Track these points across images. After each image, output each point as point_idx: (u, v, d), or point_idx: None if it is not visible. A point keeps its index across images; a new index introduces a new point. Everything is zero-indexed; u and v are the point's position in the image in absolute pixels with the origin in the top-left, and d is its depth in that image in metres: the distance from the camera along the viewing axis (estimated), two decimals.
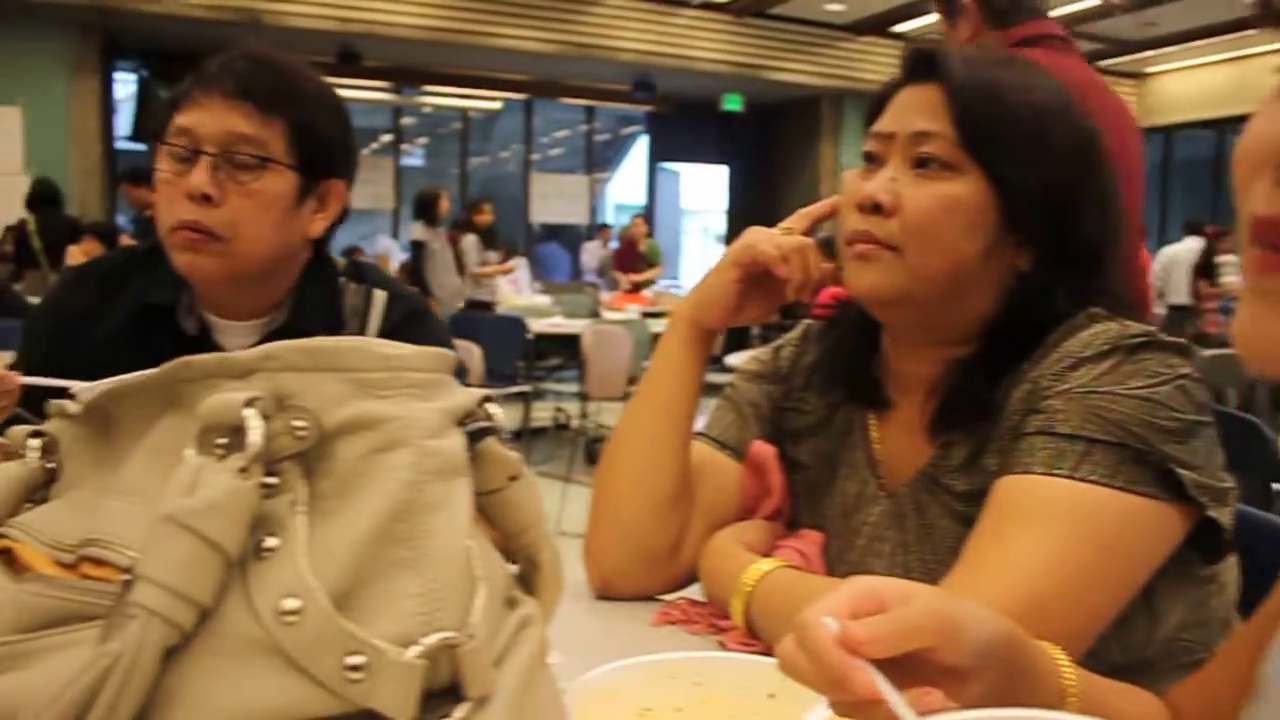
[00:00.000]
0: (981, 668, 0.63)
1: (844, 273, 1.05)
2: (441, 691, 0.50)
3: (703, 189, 15.68)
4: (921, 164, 1.02)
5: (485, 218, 8.58)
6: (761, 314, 1.17)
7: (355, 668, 0.47)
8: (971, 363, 1.03)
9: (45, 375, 1.24)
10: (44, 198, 7.45)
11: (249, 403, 0.49)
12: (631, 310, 7.38)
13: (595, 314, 7.46)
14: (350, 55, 10.50)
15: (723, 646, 1.03)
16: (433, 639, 0.49)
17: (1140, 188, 2.28)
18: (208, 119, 1.28)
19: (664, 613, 1.10)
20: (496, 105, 13.49)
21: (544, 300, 8.16)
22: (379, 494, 0.50)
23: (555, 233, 13.44)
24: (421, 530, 0.50)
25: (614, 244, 11.06)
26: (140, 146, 10.89)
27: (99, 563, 0.53)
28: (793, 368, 1.23)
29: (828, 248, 1.15)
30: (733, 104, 12.61)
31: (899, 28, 11.36)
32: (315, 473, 0.51)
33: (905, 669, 0.60)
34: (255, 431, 0.48)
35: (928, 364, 1.07)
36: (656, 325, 6.84)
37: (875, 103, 1.09)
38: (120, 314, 1.36)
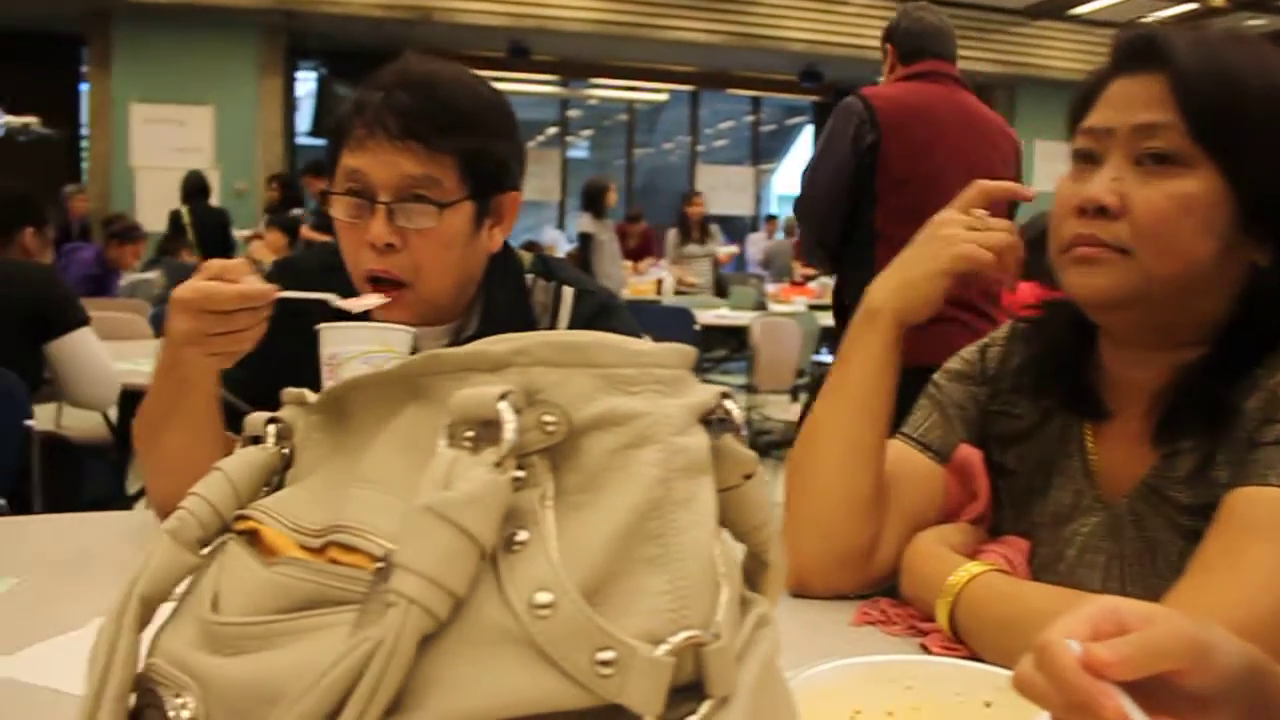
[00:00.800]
0: (1229, 696, 0.60)
1: (1060, 276, 1.01)
2: (683, 689, 0.50)
3: None
4: (1149, 160, 0.96)
5: (698, 209, 8.70)
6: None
7: (606, 663, 0.47)
8: (1203, 367, 0.98)
9: (249, 366, 1.28)
10: (196, 189, 7.84)
11: (503, 397, 0.50)
12: (798, 303, 7.31)
13: (761, 306, 7.42)
14: (520, 50, 10.69)
15: (925, 649, 1.00)
16: (680, 637, 0.48)
17: None
18: (377, 165, 1.26)
19: (863, 612, 1.09)
20: (662, 97, 13.54)
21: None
22: (630, 490, 0.50)
23: (719, 224, 13.41)
24: (670, 527, 0.50)
25: (779, 235, 10.97)
26: (319, 141, 11.31)
27: (348, 549, 0.54)
28: (1000, 369, 1.18)
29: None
30: None
31: (1078, 10, 10.93)
32: (562, 467, 0.51)
33: (1146, 695, 0.57)
34: (510, 426, 0.49)
35: (1153, 369, 1.01)
36: (824, 319, 6.77)
37: (1082, 96, 1.03)
38: (316, 316, 1.38)
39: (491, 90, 1.35)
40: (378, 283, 1.28)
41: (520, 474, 0.50)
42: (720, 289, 8.77)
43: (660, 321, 5.92)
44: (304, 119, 11.28)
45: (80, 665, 0.89)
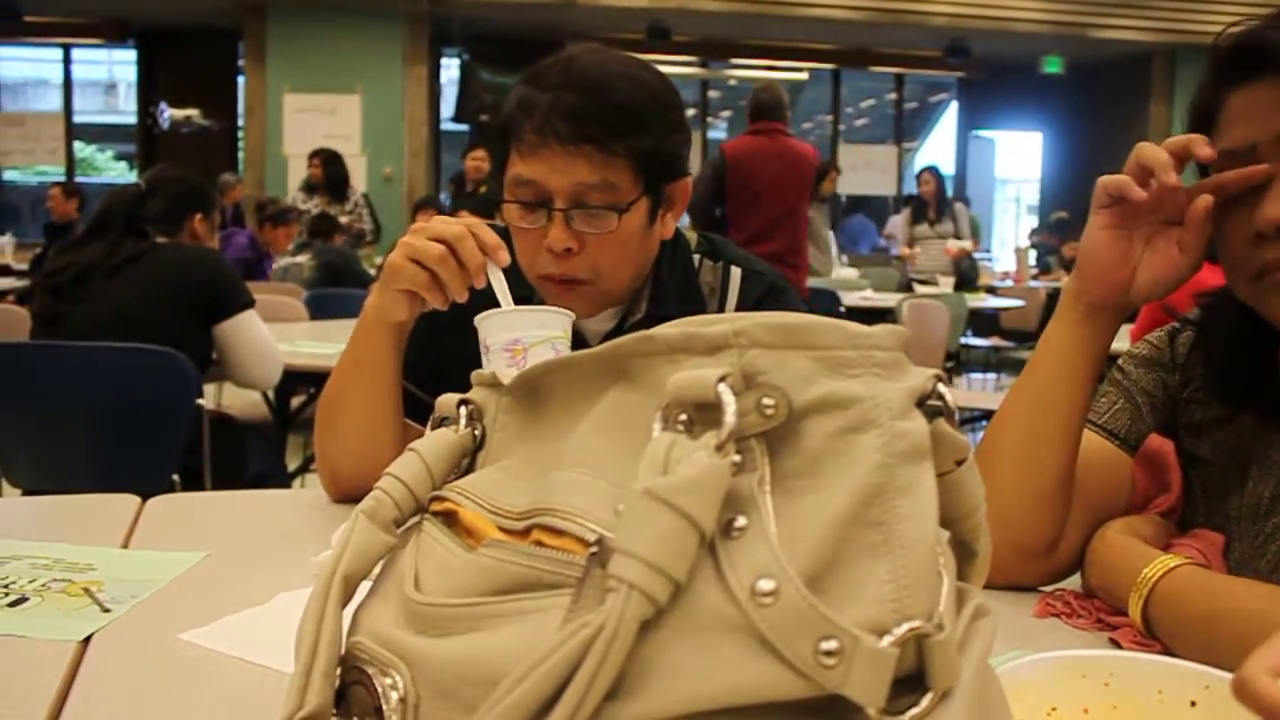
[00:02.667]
0: None
1: (1260, 304, 0.95)
2: (904, 680, 0.48)
3: (1017, 157, 15.00)
4: None
5: (928, 186, 8.45)
6: (1170, 273, 1.01)
7: (830, 653, 0.45)
8: None
9: (421, 355, 1.29)
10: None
11: (722, 379, 0.48)
12: (945, 284, 7.14)
13: (906, 287, 7.29)
14: (660, 31, 10.68)
15: (1114, 644, 0.96)
16: (904, 628, 0.47)
17: None
18: (551, 172, 1.24)
19: (1047, 604, 1.04)
20: (803, 76, 13.38)
21: (851, 273, 8.03)
22: (851, 476, 0.48)
23: (859, 204, 13.22)
24: (892, 515, 0.48)
25: None
26: (462, 126, 11.50)
27: (555, 532, 0.54)
28: (1191, 355, 1.11)
29: None
30: (1052, 66, 11.97)
31: None
32: (780, 451, 0.49)
33: None
34: (730, 409, 0.48)
35: None
36: (973, 300, 6.62)
37: (1197, 119, 0.97)
38: (474, 303, 1.39)
39: (657, 77, 1.32)
40: (556, 281, 1.28)
41: (738, 458, 0.48)
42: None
43: (805, 303, 5.84)
44: (448, 105, 11.47)
45: (266, 638, 0.91)
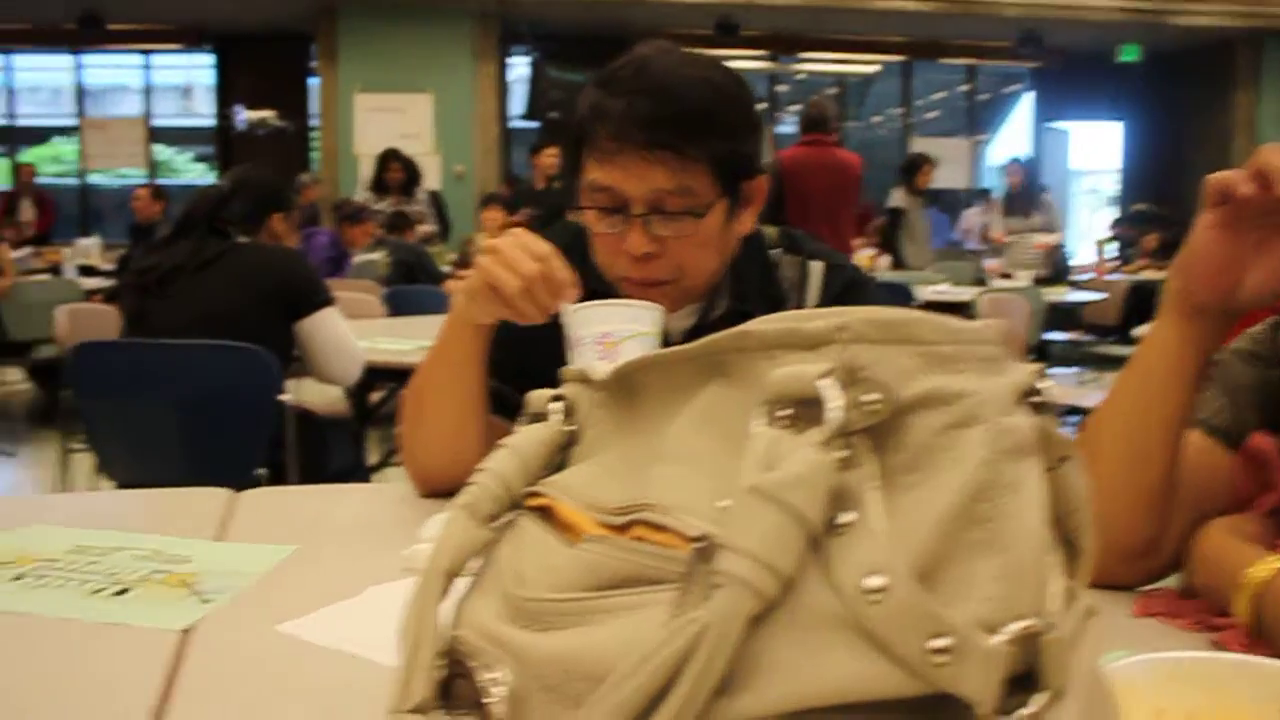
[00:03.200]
0: None
1: None
2: (1013, 679, 0.48)
3: (1093, 148, 14.72)
4: None
5: (1015, 178, 8.27)
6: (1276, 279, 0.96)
7: (941, 650, 0.45)
8: None
9: (505, 351, 1.30)
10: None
11: (825, 375, 0.48)
12: (1022, 277, 7.03)
13: (980, 281, 7.19)
14: (728, 26, 10.65)
15: (1219, 646, 0.94)
16: (1016, 626, 0.46)
17: None
18: (628, 179, 1.24)
19: (1145, 603, 1.03)
20: (873, 69, 13.26)
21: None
22: (958, 472, 0.48)
23: (932, 198, 13.05)
24: (1000, 511, 0.48)
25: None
26: (532, 124, 11.56)
27: (656, 528, 0.54)
28: None
29: None
30: (1129, 55, 11.73)
31: None
32: (885, 447, 0.49)
33: None
34: (835, 404, 0.48)
35: None
36: (1052, 294, 6.51)
37: None
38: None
39: (730, 78, 1.32)
40: (636, 284, 1.28)
41: (842, 454, 0.48)
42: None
43: (878, 297, 5.78)
44: (516, 102, 11.54)
45: (361, 630, 0.93)
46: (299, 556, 1.14)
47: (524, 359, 1.34)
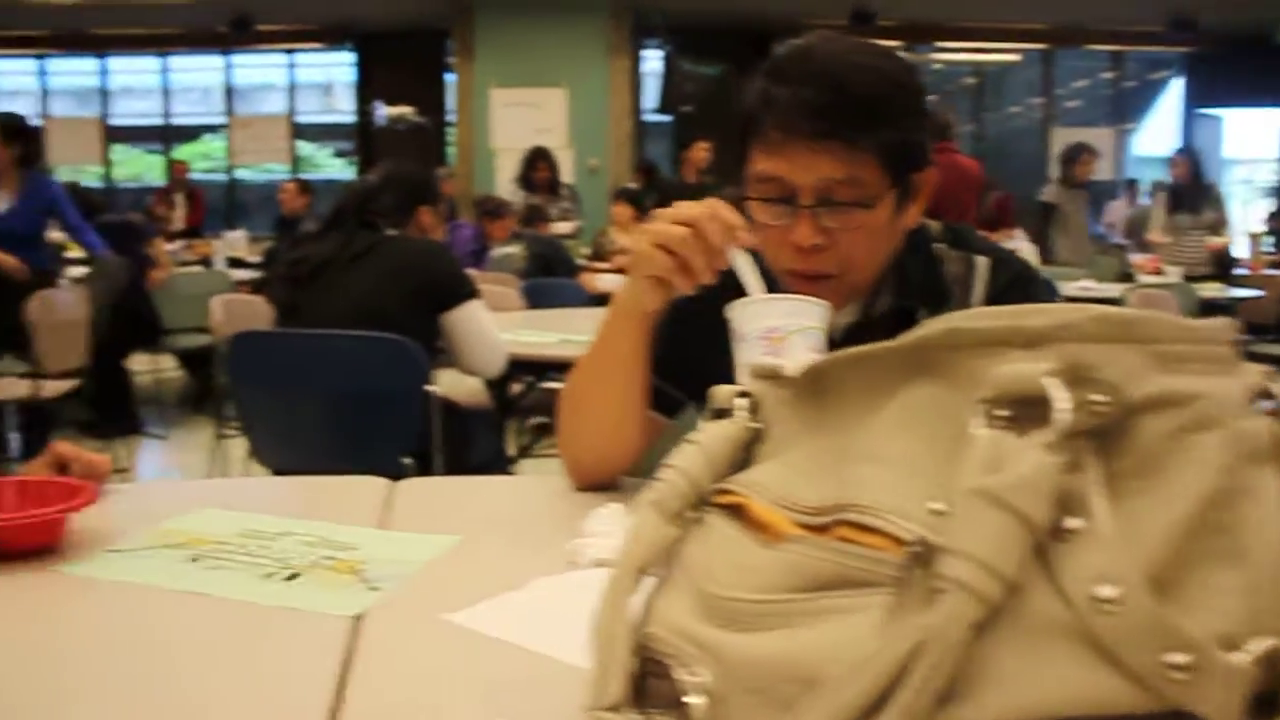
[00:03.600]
0: None
1: None
2: (1255, 700, 0.45)
3: (1248, 136, 14.09)
4: None
5: (1180, 169, 7.76)
6: None
7: (1178, 666, 0.43)
8: None
9: (665, 346, 1.30)
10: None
11: (1051, 373, 0.46)
12: (1172, 274, 6.75)
13: (1127, 277, 6.94)
14: (864, 15, 10.49)
15: None
16: (1262, 643, 0.44)
17: None
18: (795, 169, 1.22)
19: None
20: (1013, 57, 12.93)
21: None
22: (1193, 477, 0.45)
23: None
24: (1240, 520, 0.45)
25: (1145, 200, 10.20)
26: (665, 118, 11.57)
27: (862, 529, 0.53)
28: None
29: None
30: None
31: None
32: (1110, 450, 0.47)
33: None
34: (1062, 405, 0.46)
35: None
36: (1205, 290, 6.26)
37: None
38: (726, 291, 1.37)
39: (900, 65, 1.29)
40: (802, 276, 1.26)
41: (1068, 457, 0.46)
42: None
43: None
44: (650, 96, 11.57)
45: (529, 622, 0.93)
46: (461, 547, 1.15)
47: (685, 355, 1.34)
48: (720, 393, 0.71)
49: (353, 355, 2.52)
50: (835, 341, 1.15)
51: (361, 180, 2.83)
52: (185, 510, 1.27)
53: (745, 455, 0.68)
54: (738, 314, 1.14)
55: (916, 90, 1.29)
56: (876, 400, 0.58)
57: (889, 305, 1.32)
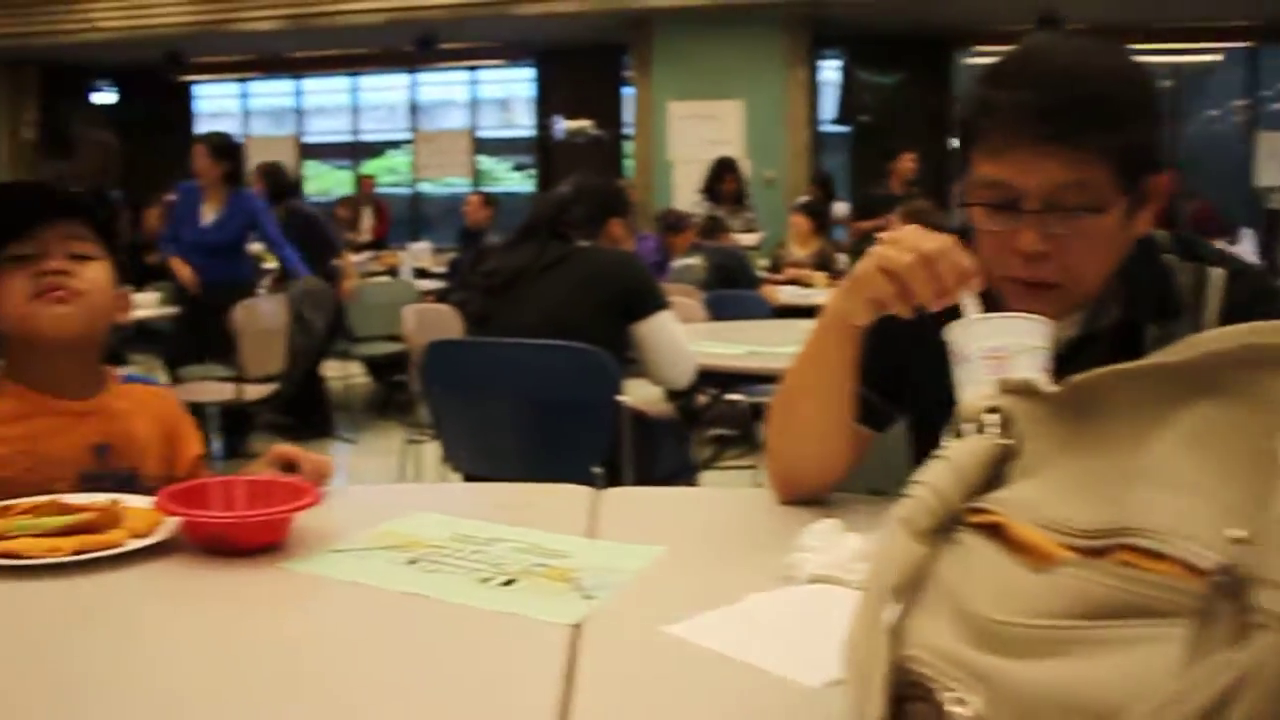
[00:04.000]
0: None
1: None
2: None
3: None
4: None
5: None
6: None
7: None
8: None
9: (874, 358, 1.26)
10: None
11: None
12: None
13: None
14: (1051, 20, 10.16)
15: None
16: None
17: None
18: (1021, 173, 1.17)
19: None
20: (1213, 57, 12.31)
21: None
22: None
23: None
24: None
25: None
26: (843, 129, 11.45)
27: (1149, 554, 0.50)
28: None
29: None
30: None
31: None
32: None
33: None
34: None
35: None
36: None
37: None
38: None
39: (1129, 63, 1.22)
40: (1025, 285, 1.21)
41: None
42: None
43: None
44: (827, 107, 11.46)
45: (749, 637, 0.92)
46: (670, 557, 1.15)
47: (893, 366, 1.30)
48: (967, 406, 0.69)
49: (546, 364, 2.55)
50: (1058, 356, 1.10)
51: (554, 192, 2.88)
52: (398, 513, 1.30)
53: (995, 473, 0.65)
54: (960, 333, 1.09)
55: (1148, 88, 1.22)
56: (1149, 419, 0.55)
57: (1115, 318, 1.25)
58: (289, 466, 1.35)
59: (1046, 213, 1.17)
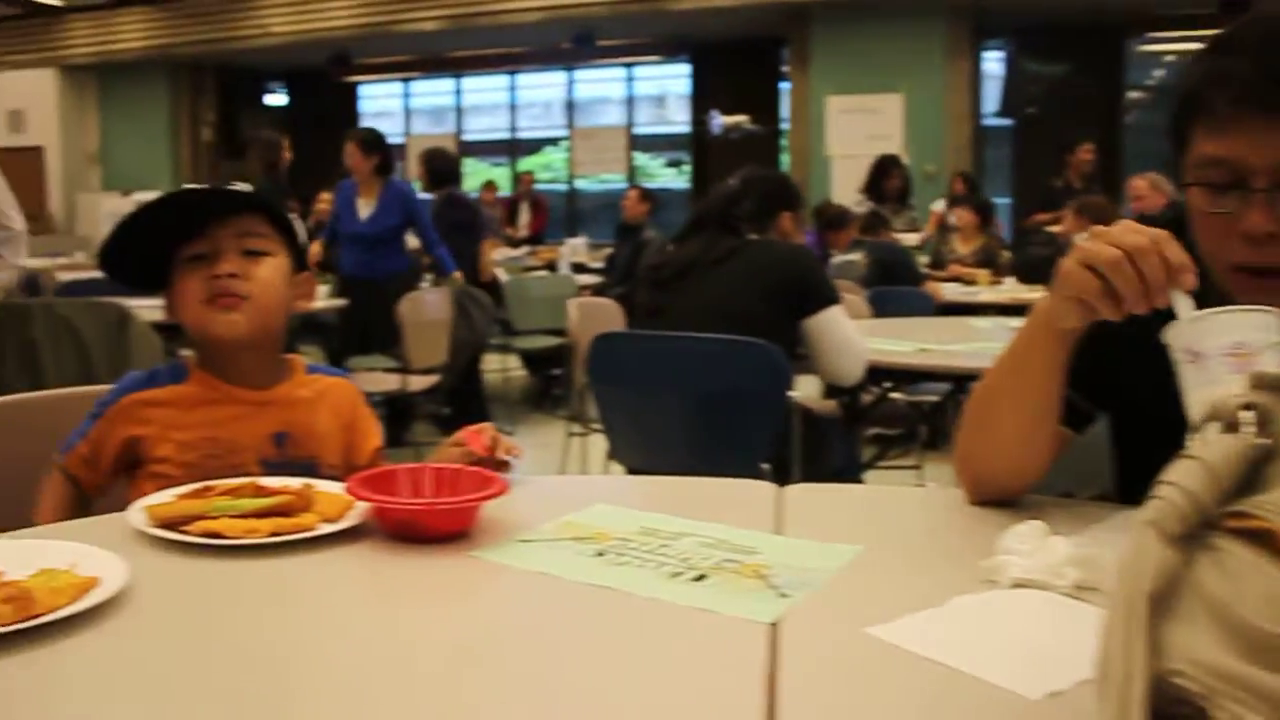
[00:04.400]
0: None
1: None
2: None
3: None
4: None
5: None
6: None
7: None
8: None
9: (1083, 358, 1.19)
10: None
11: None
12: None
13: None
14: (1236, 2, 9.68)
15: None
16: None
17: None
18: (1251, 148, 1.09)
19: None
20: None
21: None
22: None
23: None
24: None
25: None
26: (1005, 121, 11.15)
27: None
28: None
29: None
30: None
31: None
32: None
33: None
34: None
35: None
36: None
37: None
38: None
39: None
40: (1252, 273, 1.13)
41: None
42: None
43: None
44: (990, 99, 11.17)
45: (958, 641, 0.88)
46: (865, 558, 1.11)
47: (1099, 365, 1.24)
48: (1219, 403, 0.64)
49: (716, 358, 2.53)
50: None
51: (723, 185, 2.85)
52: (581, 505, 1.30)
53: (1251, 475, 0.60)
54: (1191, 331, 1.01)
55: None
56: None
57: None
58: (479, 460, 1.34)
59: (1278, 191, 1.09)
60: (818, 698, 0.80)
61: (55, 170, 14.18)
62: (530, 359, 7.16)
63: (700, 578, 1.05)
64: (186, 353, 1.52)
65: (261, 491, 1.23)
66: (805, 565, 1.08)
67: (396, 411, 5.42)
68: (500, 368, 7.38)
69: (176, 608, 0.99)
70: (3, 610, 0.90)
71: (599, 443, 3.53)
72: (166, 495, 1.24)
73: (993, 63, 11.33)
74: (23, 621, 0.89)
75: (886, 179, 7.68)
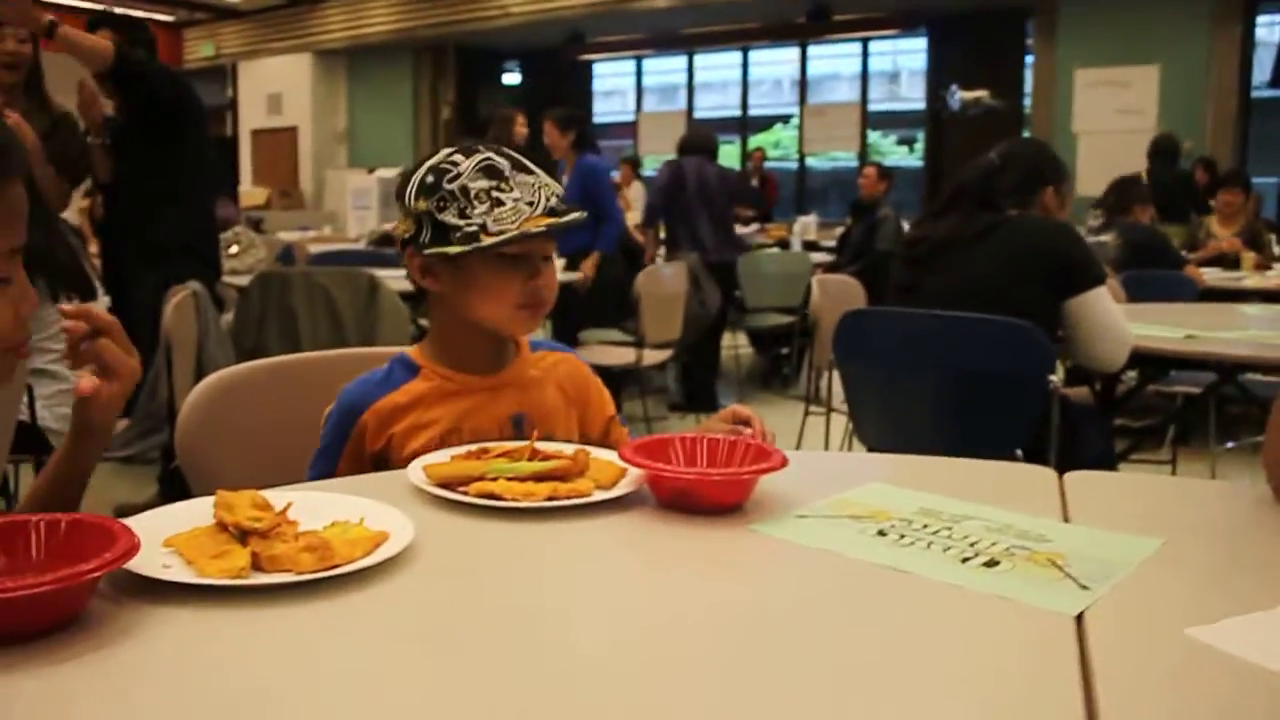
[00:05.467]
0: None
1: None
2: None
3: None
4: None
5: None
6: None
7: None
8: None
9: None
10: (1158, 150, 7.53)
11: None
12: None
13: None
14: None
15: None
16: None
17: None
18: None
19: None
20: None
21: None
22: None
23: None
24: None
25: None
26: (1277, 93, 10.35)
27: None
28: None
29: None
30: None
31: None
32: None
33: None
34: None
35: None
36: None
37: None
38: None
39: None
40: None
41: None
42: None
43: None
44: (1262, 69, 10.38)
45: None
46: (1167, 552, 1.04)
47: None
48: None
49: (974, 338, 2.44)
50: None
51: (980, 159, 2.74)
52: (854, 482, 1.27)
53: None
54: None
55: None
56: None
57: None
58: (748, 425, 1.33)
59: None
60: (1140, 699, 0.75)
61: (306, 149, 15.04)
62: (758, 337, 7.12)
63: (991, 563, 1.00)
64: (409, 351, 1.51)
65: (538, 455, 1.25)
66: (1103, 557, 1.02)
67: (618, 386, 5.47)
68: (730, 345, 7.38)
69: (457, 565, 1.01)
70: (305, 558, 0.94)
71: (837, 423, 3.47)
72: (444, 455, 1.28)
73: (1265, 29, 10.51)
74: (323, 571, 0.93)
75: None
